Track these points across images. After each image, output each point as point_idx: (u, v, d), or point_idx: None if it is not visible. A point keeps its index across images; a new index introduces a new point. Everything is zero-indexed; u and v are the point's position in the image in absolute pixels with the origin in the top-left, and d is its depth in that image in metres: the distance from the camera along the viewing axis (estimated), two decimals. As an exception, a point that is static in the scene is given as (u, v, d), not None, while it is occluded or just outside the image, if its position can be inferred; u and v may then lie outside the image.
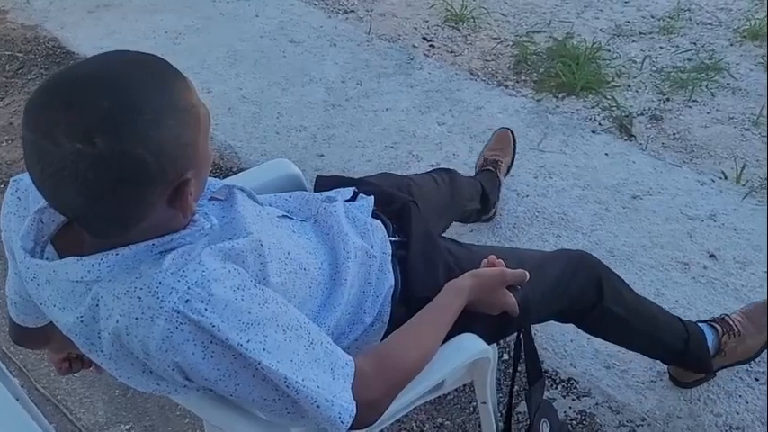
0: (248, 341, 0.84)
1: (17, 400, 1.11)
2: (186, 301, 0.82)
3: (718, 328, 1.58)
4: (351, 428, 0.94)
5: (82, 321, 0.89)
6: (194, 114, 0.83)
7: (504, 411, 1.31)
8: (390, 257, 1.21)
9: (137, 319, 0.83)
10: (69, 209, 0.81)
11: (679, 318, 1.55)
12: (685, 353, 1.53)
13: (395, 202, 1.33)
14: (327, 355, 0.91)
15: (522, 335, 1.24)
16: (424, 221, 1.31)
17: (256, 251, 0.96)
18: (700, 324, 1.58)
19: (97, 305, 0.87)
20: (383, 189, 1.35)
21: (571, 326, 1.76)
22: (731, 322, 1.59)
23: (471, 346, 1.14)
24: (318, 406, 0.88)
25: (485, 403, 1.27)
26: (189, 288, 0.82)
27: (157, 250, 0.87)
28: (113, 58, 0.83)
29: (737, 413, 1.60)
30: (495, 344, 1.27)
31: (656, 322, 1.50)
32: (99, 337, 0.89)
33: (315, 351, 0.90)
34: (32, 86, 3.00)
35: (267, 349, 0.85)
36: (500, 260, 1.22)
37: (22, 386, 1.73)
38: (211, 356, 0.84)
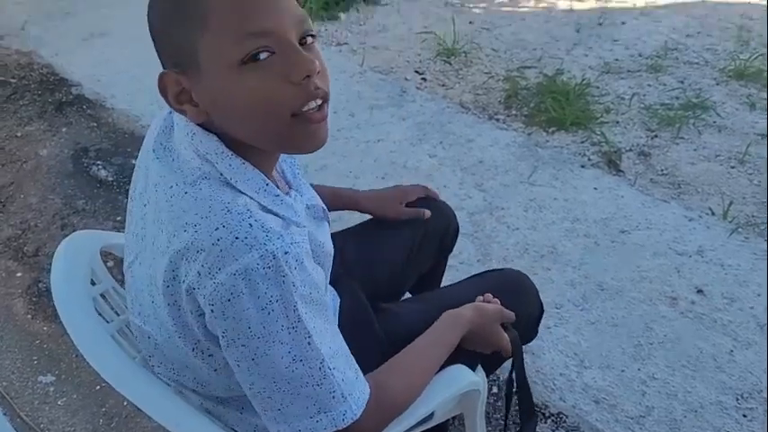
0: (306, 313, 0.86)
1: None
2: (285, 253, 0.83)
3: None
4: None
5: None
6: (192, 12, 0.83)
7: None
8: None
9: (236, 238, 0.82)
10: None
11: None
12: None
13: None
14: (352, 359, 0.93)
15: (514, 372, 1.23)
16: (354, 294, 1.27)
17: None
18: None
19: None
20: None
21: (561, 360, 1.77)
22: None
23: (462, 377, 1.13)
24: (334, 397, 0.88)
25: (474, 436, 1.27)
26: (292, 244, 0.85)
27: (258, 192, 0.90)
28: None
29: (726, 449, 1.59)
30: (485, 376, 1.26)
31: None
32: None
33: (345, 349, 0.93)
34: (25, 112, 3.00)
35: (316, 328, 0.87)
36: (495, 298, 1.21)
37: (4, 414, 1.70)
38: (267, 313, 0.84)
